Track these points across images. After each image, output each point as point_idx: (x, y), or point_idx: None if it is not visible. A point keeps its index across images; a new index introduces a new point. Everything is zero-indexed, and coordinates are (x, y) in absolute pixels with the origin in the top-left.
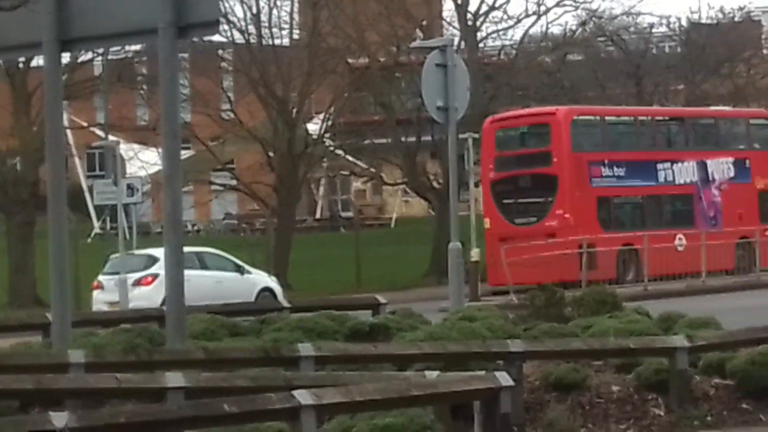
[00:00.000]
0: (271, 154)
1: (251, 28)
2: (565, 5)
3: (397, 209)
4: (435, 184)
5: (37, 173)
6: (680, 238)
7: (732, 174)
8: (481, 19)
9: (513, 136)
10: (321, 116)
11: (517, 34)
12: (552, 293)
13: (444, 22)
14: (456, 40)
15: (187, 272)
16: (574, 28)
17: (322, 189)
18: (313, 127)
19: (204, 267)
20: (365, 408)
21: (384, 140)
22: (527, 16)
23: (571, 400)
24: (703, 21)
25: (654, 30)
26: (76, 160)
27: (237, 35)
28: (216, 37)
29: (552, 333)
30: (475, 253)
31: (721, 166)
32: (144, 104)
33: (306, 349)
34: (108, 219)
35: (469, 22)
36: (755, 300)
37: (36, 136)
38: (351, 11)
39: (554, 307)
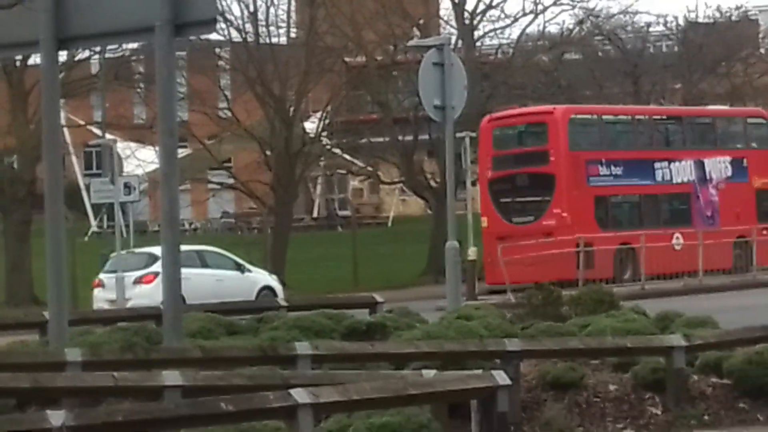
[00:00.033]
0: (268, 152)
1: (248, 27)
2: (562, 4)
3: (394, 208)
4: (432, 182)
5: (34, 172)
6: (677, 237)
7: (729, 173)
8: (478, 17)
9: (510, 135)
10: (318, 115)
11: (514, 32)
12: (549, 292)
13: (441, 21)
14: (453, 38)
15: (188, 271)
16: (571, 27)
17: (319, 188)
18: (310, 125)
19: (205, 265)
20: (362, 407)
21: (381, 139)
22: (524, 14)
23: (568, 399)
24: (700, 20)
25: (651, 29)
26: (74, 158)
27: (234, 33)
28: (213, 36)
29: (549, 332)
30: (472, 252)
31: (718, 166)
32: (141, 102)
33: (303, 347)
34: (105, 217)
35: (466, 21)
36: (752, 299)
37: (33, 135)
38: (348, 10)
39: (551, 306)
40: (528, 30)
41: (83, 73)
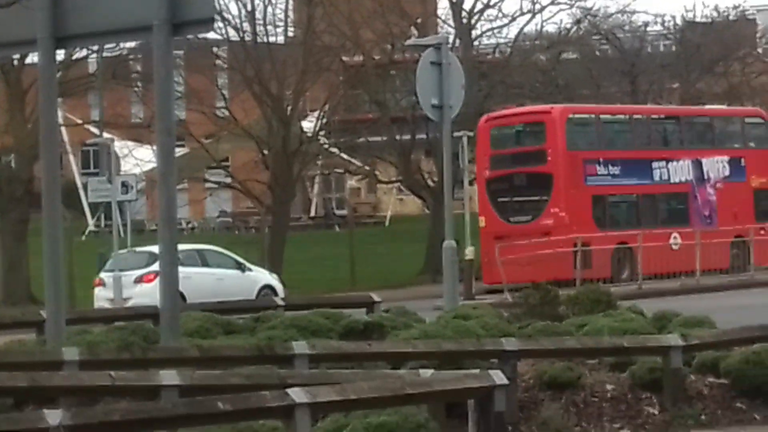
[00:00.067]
0: (265, 151)
1: (246, 26)
2: (559, 3)
3: (391, 207)
4: (430, 182)
5: (31, 170)
6: (675, 237)
7: (727, 173)
8: (475, 17)
9: (508, 135)
10: (316, 114)
11: (511, 32)
12: (546, 292)
13: (439, 20)
14: (451, 38)
15: (188, 270)
16: (568, 26)
17: (316, 187)
18: (308, 124)
19: (205, 264)
20: (359, 406)
21: (379, 138)
22: (522, 14)
23: (565, 398)
24: (698, 19)
25: (649, 28)
26: (71, 157)
27: (232, 33)
28: (211, 35)
29: (546, 331)
30: (469, 252)
31: (716, 165)
32: (139, 101)
33: (300, 347)
34: (102, 216)
35: (464, 20)
36: (750, 299)
37: (30, 134)
38: (346, 9)
39: (549, 305)
40: (525, 29)
41: (81, 72)
